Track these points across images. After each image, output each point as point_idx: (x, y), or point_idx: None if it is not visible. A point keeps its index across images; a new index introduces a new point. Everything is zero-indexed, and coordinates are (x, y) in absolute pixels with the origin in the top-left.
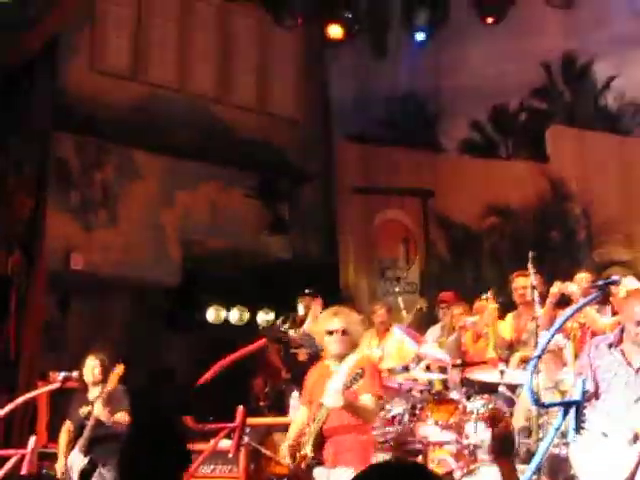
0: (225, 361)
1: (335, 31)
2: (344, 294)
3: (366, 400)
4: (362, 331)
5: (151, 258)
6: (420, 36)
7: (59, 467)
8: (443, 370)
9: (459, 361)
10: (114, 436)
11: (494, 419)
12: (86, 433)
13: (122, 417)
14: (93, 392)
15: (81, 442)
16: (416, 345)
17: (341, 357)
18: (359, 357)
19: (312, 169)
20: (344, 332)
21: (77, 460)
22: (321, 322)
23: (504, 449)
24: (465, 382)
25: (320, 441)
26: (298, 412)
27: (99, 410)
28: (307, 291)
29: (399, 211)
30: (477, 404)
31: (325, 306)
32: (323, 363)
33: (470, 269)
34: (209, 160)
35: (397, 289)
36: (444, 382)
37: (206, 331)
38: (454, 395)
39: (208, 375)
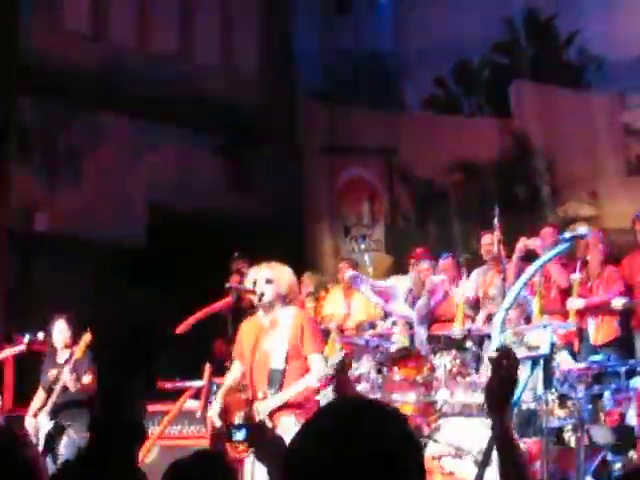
0: (191, 319)
1: None
2: (309, 253)
3: (315, 360)
4: (291, 283)
5: (117, 219)
6: None
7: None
8: (410, 326)
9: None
10: (81, 402)
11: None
12: (53, 398)
13: (89, 382)
14: (62, 355)
15: (48, 406)
16: (383, 302)
17: (268, 307)
18: (294, 312)
19: (278, 128)
20: (267, 281)
21: (43, 424)
22: (248, 276)
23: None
24: (431, 338)
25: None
26: (231, 369)
27: (66, 377)
28: (236, 254)
29: (363, 169)
30: (444, 359)
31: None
32: (254, 319)
33: (436, 225)
34: (175, 121)
35: (363, 247)
36: (411, 338)
37: (172, 292)
38: (421, 351)
39: (177, 329)
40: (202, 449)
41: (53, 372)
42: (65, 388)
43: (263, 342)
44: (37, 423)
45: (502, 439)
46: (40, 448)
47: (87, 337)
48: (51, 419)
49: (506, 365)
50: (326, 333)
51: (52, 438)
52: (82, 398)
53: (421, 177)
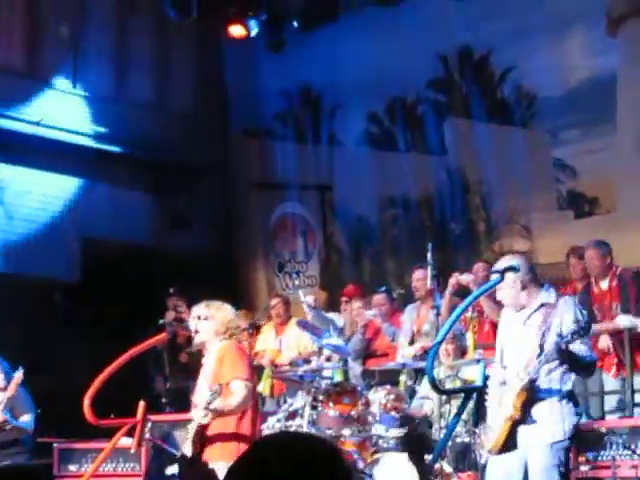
0: (126, 355)
1: (237, 30)
2: (242, 290)
3: (236, 387)
4: (227, 319)
5: (48, 256)
6: (315, 30)
7: None
8: (344, 362)
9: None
10: (14, 441)
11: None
12: None
13: (28, 419)
14: None
15: None
16: (317, 338)
17: (204, 346)
18: (220, 345)
19: (211, 164)
20: (200, 318)
21: None
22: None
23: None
24: (366, 373)
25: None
26: None
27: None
28: (171, 290)
29: (298, 205)
30: (379, 394)
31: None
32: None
33: (369, 261)
34: (107, 158)
35: (297, 282)
36: (345, 373)
37: (106, 329)
38: (356, 386)
39: (108, 371)
40: None
41: None
42: (1, 428)
43: (199, 379)
44: None
45: None
46: None
47: (19, 374)
48: None
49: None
50: (259, 369)
51: None
52: (15, 437)
53: (356, 213)
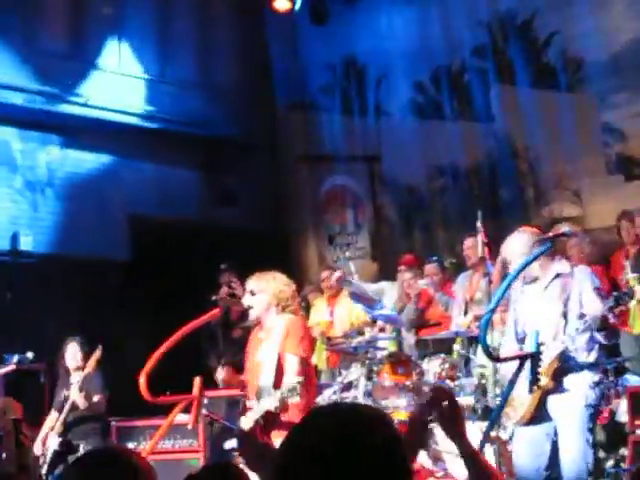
0: (180, 332)
1: (281, 4)
2: (293, 264)
3: (288, 360)
4: (280, 291)
5: (98, 235)
6: (358, 1)
7: (35, 449)
8: (398, 332)
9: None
10: (90, 418)
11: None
12: (62, 416)
13: (99, 400)
14: (75, 377)
15: (57, 425)
16: (370, 309)
17: (259, 322)
18: (285, 320)
19: (258, 140)
20: (252, 293)
21: (52, 442)
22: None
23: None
24: (420, 343)
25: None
26: None
27: (75, 394)
28: (223, 266)
29: (347, 177)
30: (434, 364)
31: None
32: (257, 329)
33: (420, 231)
34: (154, 136)
35: (347, 255)
36: (399, 343)
37: (158, 306)
38: (410, 356)
39: (163, 348)
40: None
41: (65, 393)
42: (75, 406)
43: (256, 354)
44: (48, 442)
45: (468, 459)
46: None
47: (98, 353)
48: (59, 437)
49: (445, 401)
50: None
51: (59, 456)
52: (92, 415)
53: (404, 184)
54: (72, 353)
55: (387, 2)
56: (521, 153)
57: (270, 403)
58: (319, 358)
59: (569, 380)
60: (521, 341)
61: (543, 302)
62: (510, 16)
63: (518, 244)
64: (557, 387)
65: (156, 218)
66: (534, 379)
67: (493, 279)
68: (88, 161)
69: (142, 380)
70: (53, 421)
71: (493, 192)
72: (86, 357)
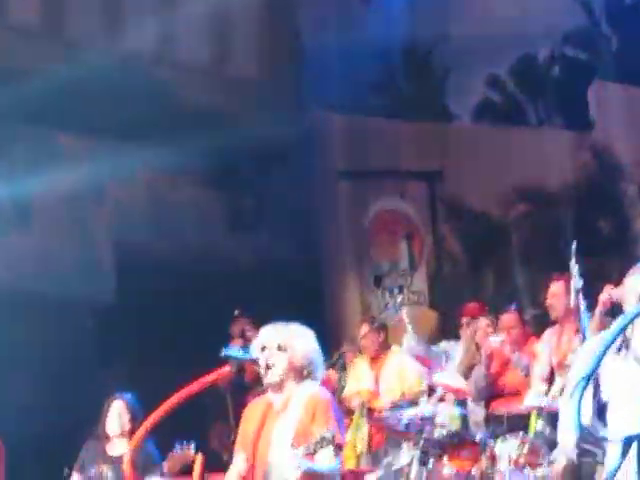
0: (178, 396)
1: None
2: (327, 312)
3: (324, 457)
4: (310, 352)
5: (75, 268)
6: None
7: None
8: (463, 404)
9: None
10: None
11: None
12: None
13: None
14: (118, 447)
15: None
16: (426, 372)
17: (280, 386)
18: (311, 390)
19: (285, 148)
20: (279, 348)
21: None
22: (256, 340)
23: None
24: (492, 419)
25: None
26: (234, 462)
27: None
28: (237, 312)
29: (399, 200)
30: (509, 446)
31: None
32: (264, 397)
33: (493, 272)
34: (150, 141)
35: (399, 301)
36: (464, 419)
37: (149, 362)
38: (478, 436)
39: (154, 417)
40: None
41: (104, 470)
42: None
43: (269, 429)
44: None
45: None
46: None
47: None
48: None
49: None
50: (349, 415)
51: None
52: None
53: (474, 209)
54: (116, 414)
55: None
56: (628, 171)
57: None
58: (357, 437)
59: None
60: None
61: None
62: None
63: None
64: None
65: (148, 247)
66: None
67: (589, 337)
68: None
69: (126, 458)
70: None
71: (590, 222)
72: (134, 421)
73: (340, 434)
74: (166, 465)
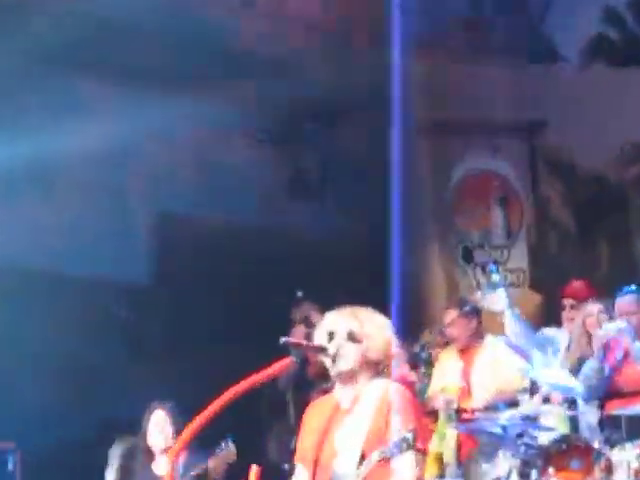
0: (228, 394)
1: None
2: (405, 294)
3: (404, 464)
4: (388, 344)
5: (105, 244)
6: None
7: None
8: (572, 404)
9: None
10: None
11: None
12: None
13: None
14: (163, 465)
15: None
16: (528, 365)
17: (349, 378)
18: (385, 387)
19: (354, 100)
20: (351, 336)
21: None
22: (321, 326)
23: None
24: (607, 422)
25: None
26: (295, 474)
27: None
28: (299, 294)
29: (491, 158)
30: (627, 455)
31: None
32: (329, 396)
33: (609, 244)
34: (194, 90)
35: (495, 279)
36: (574, 422)
37: (194, 355)
38: (591, 442)
39: (202, 418)
40: None
41: None
42: None
43: (335, 434)
44: None
45: None
46: None
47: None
48: None
49: None
50: (433, 416)
51: None
52: None
53: (584, 168)
54: (160, 426)
55: None
56: None
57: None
58: (442, 442)
59: None
60: None
61: None
62: None
63: None
64: None
65: (193, 219)
66: None
67: None
68: None
69: (168, 461)
70: None
71: None
72: (178, 433)
73: (423, 437)
74: (209, 465)
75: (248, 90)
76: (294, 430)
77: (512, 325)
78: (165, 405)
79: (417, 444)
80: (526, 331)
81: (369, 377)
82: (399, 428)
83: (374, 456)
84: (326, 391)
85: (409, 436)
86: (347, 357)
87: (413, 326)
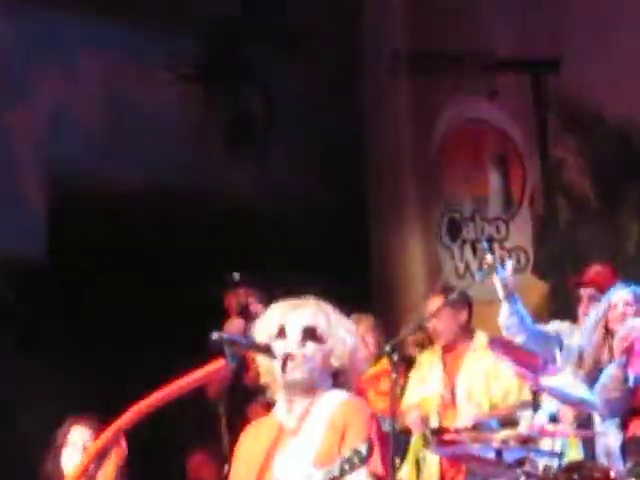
0: (142, 405)
1: None
2: (375, 276)
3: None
4: (354, 348)
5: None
6: None
7: None
8: (586, 423)
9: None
10: None
11: None
12: None
13: None
14: None
15: None
16: (529, 374)
17: (302, 390)
18: (341, 400)
19: (314, 24)
20: (308, 332)
21: None
22: (265, 317)
23: None
24: (631, 445)
25: None
26: None
27: None
28: (235, 276)
29: (487, 103)
30: None
31: None
32: (269, 418)
33: (634, 217)
34: (101, 5)
35: (489, 261)
36: (588, 445)
37: (100, 346)
38: (611, 471)
39: (107, 435)
40: None
41: None
42: None
43: (276, 460)
44: None
45: None
46: None
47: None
48: None
49: None
50: (407, 434)
51: None
52: None
53: (606, 119)
54: (78, 438)
55: None
56: None
57: None
58: (415, 471)
59: None
60: None
61: None
62: None
63: None
64: None
65: (102, 176)
66: None
67: None
68: None
69: None
70: None
71: None
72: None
73: (382, 458)
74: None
75: (174, 7)
76: (226, 454)
77: (509, 319)
78: (84, 420)
79: (374, 467)
80: (528, 327)
81: (325, 388)
82: (354, 438)
83: (320, 476)
84: (269, 404)
85: (362, 448)
86: (308, 362)
87: (384, 319)
